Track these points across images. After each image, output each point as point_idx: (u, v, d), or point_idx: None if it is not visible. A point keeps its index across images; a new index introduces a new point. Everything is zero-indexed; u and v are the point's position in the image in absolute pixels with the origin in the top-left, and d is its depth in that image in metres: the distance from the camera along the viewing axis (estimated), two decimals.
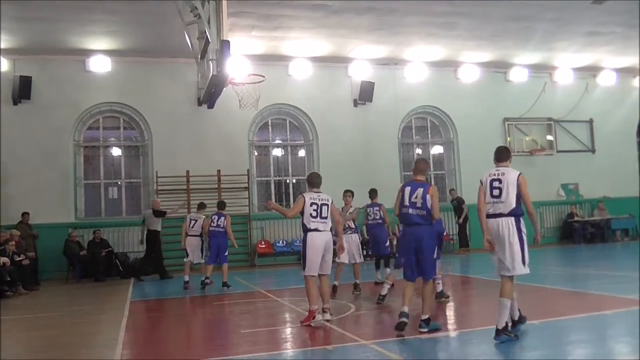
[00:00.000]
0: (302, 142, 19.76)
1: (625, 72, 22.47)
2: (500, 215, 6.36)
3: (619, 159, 21.65)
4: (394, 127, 20.04)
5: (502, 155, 6.70)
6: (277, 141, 19.81)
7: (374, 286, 11.28)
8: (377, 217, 11.04)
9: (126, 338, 7.62)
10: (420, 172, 7.26)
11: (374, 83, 19.30)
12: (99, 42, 16.60)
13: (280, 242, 18.36)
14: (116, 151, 18.53)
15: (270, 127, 19.59)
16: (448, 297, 9.29)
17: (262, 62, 17.51)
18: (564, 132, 21.74)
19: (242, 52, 16.89)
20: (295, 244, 17.84)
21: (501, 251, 6.34)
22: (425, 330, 6.78)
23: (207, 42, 10.93)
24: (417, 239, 6.94)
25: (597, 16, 16.67)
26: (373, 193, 11.28)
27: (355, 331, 7.33)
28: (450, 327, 7.70)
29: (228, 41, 9.96)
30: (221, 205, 12.80)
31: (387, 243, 11.38)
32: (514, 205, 6.32)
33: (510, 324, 6.40)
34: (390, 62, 19.62)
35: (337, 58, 18.83)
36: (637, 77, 22.67)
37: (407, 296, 6.93)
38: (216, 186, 17.74)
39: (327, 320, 7.75)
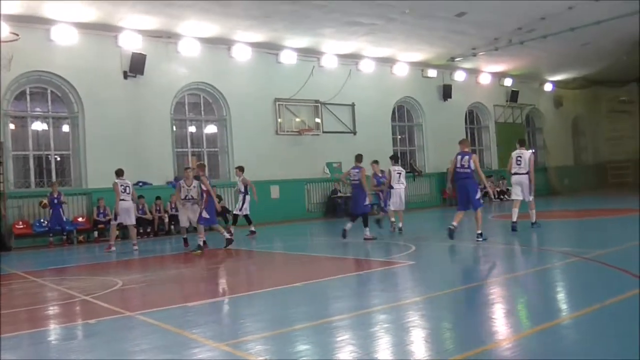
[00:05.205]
0: (66, 114, 18.38)
1: (383, 62, 24.72)
2: (521, 174, 12.65)
3: (376, 139, 23.84)
4: (166, 102, 19.63)
5: (522, 143, 13.00)
6: (37, 112, 18.18)
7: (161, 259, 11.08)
8: (356, 179, 13.13)
9: None
10: (465, 146, 11.41)
11: (145, 55, 18.64)
12: None
13: (41, 222, 16.84)
14: None
15: (28, 97, 17.85)
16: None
17: (19, 23, 15.90)
18: (330, 114, 23.26)
19: None
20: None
21: (523, 191, 12.58)
22: (482, 239, 10.83)
23: None
24: (466, 187, 11.15)
25: (358, 7, 18.05)
26: (358, 157, 13.61)
27: (120, 304, 7.12)
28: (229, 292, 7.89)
29: None
30: None
31: (366, 202, 12.97)
32: (527, 169, 12.57)
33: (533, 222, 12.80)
34: (163, 34, 19.11)
35: (105, 26, 17.81)
36: (394, 66, 25.11)
37: (458, 217, 11.31)
38: None
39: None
